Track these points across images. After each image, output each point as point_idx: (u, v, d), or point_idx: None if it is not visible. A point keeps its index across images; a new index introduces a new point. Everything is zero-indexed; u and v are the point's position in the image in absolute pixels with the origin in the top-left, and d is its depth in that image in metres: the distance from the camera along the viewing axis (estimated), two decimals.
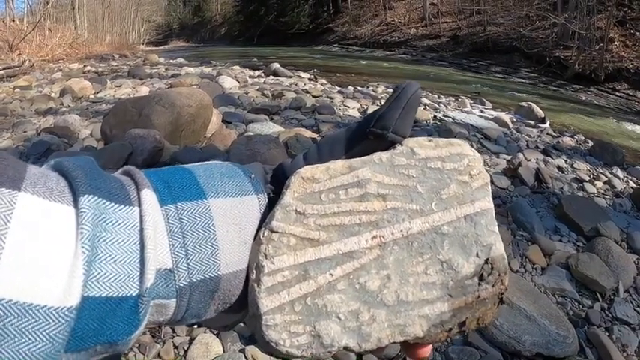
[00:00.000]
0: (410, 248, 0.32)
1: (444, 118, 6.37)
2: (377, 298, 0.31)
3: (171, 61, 18.95)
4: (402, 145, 0.35)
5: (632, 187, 4.47)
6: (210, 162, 0.38)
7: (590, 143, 5.98)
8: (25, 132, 5.74)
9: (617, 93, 15.56)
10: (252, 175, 0.36)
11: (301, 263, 0.31)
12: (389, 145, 0.36)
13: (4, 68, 14.43)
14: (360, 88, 8.81)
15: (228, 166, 0.37)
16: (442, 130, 5.39)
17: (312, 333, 0.30)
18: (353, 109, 6.59)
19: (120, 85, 9.57)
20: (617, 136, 8.14)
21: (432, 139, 0.37)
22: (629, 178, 4.81)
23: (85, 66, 17.21)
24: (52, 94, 8.70)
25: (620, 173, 4.83)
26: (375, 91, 8.57)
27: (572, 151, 5.51)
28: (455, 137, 5.05)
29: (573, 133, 6.91)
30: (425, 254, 0.32)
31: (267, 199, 0.35)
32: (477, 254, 0.34)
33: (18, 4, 28.59)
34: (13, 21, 25.77)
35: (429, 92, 9.14)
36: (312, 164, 0.35)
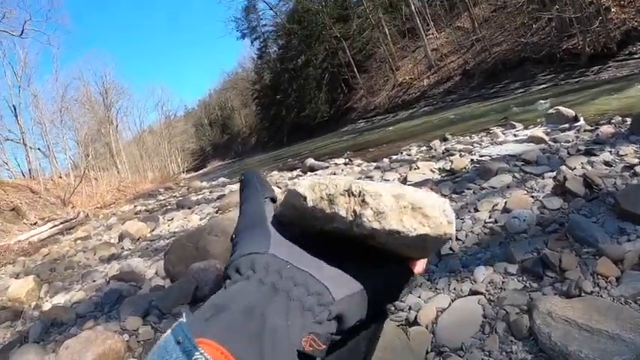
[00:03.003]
0: None
1: (480, 158, 6.30)
2: None
3: (213, 182, 19.78)
4: None
5: None
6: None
7: (629, 120, 5.80)
8: (94, 281, 6.09)
9: (635, 56, 15.22)
10: (181, 338, 0.35)
11: None
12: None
13: (62, 222, 15.42)
14: (394, 156, 8.87)
15: (160, 347, 0.36)
16: (482, 171, 5.34)
17: None
18: (393, 182, 6.57)
19: (172, 219, 10.02)
20: None
21: None
22: None
23: (135, 206, 18.22)
24: (112, 240, 9.25)
25: None
26: (409, 155, 8.61)
27: (614, 138, 5.35)
28: (496, 175, 5.05)
29: (609, 117, 6.77)
30: None
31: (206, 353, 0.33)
32: None
33: (61, 161, 31.32)
34: (60, 177, 27.87)
35: (459, 137, 9.16)
36: None
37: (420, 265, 0.49)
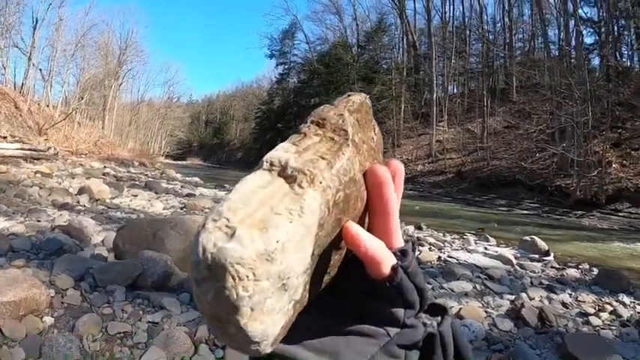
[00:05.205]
0: None
1: (448, 258, 6.41)
2: None
3: (187, 178, 19.68)
4: None
5: (639, 313, 4.43)
6: None
7: (595, 271, 6.04)
8: (38, 221, 5.86)
9: (619, 213, 15.91)
10: None
11: None
12: None
13: (30, 149, 15.01)
14: None
15: None
16: (446, 271, 5.45)
17: None
18: None
19: (136, 195, 9.86)
20: (623, 258, 8.27)
21: None
22: (636, 302, 4.79)
23: (105, 167, 18.07)
24: (71, 190, 8.97)
25: (626, 299, 4.84)
26: None
27: (577, 283, 5.54)
28: (458, 280, 5.15)
29: (578, 262, 6.96)
30: None
31: None
32: None
33: (55, 92, 31.04)
34: (47, 106, 27.46)
35: (434, 230, 9.31)
36: None
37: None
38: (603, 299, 4.87)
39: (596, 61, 28.54)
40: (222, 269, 0.26)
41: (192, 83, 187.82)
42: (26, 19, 29.12)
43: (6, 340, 2.59)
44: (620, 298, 4.90)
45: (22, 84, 26.81)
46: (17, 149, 14.35)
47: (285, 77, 57.11)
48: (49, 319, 2.93)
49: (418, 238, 7.93)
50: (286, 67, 56.63)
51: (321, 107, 0.37)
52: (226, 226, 0.27)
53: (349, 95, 0.40)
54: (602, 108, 20.29)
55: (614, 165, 18.45)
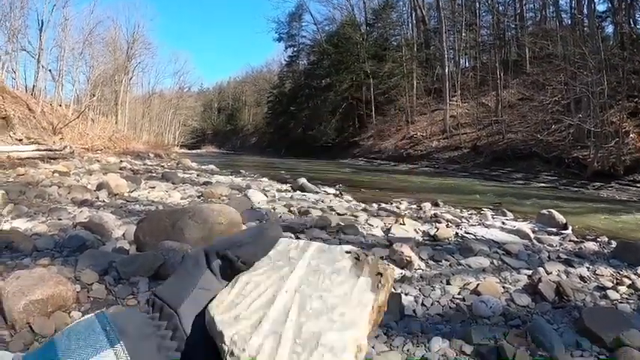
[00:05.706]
0: None
1: (465, 234, 6.34)
2: None
3: (203, 167, 19.73)
4: None
5: None
6: (74, 323, 0.44)
7: (614, 244, 5.93)
8: (59, 219, 5.95)
9: (638, 184, 15.50)
10: (108, 328, 0.41)
11: None
12: None
13: (46, 150, 15.24)
14: (383, 205, 8.80)
15: (86, 324, 0.42)
16: (463, 248, 5.40)
17: None
18: (376, 228, 6.49)
19: (154, 187, 9.93)
20: None
21: None
22: None
23: (121, 161, 18.24)
24: (89, 186, 9.07)
25: None
26: (398, 208, 8.59)
27: (595, 256, 5.45)
28: (475, 256, 5.14)
29: (596, 235, 6.85)
30: None
31: (124, 347, 0.39)
32: None
33: (67, 91, 31.41)
34: (60, 106, 27.52)
35: (451, 207, 9.24)
36: None
37: None
38: (621, 272, 4.80)
39: (609, 29, 27.87)
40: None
41: (202, 72, 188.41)
42: (32, 22, 29.55)
43: (36, 337, 2.70)
44: (638, 271, 4.81)
45: (33, 86, 27.05)
46: (34, 150, 14.56)
47: (294, 60, 56.79)
48: (76, 314, 3.03)
49: (435, 215, 7.92)
50: (295, 49, 56.30)
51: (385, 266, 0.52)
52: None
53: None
54: (617, 77, 19.75)
55: (631, 135, 17.99)
